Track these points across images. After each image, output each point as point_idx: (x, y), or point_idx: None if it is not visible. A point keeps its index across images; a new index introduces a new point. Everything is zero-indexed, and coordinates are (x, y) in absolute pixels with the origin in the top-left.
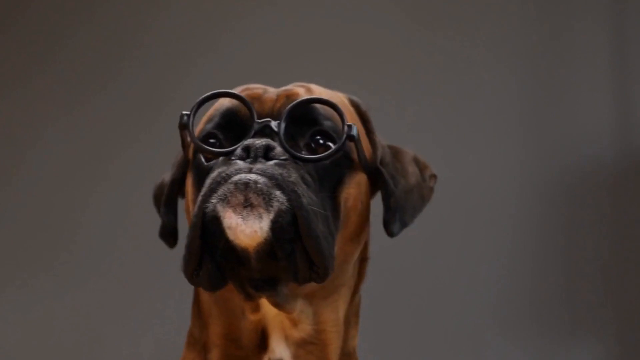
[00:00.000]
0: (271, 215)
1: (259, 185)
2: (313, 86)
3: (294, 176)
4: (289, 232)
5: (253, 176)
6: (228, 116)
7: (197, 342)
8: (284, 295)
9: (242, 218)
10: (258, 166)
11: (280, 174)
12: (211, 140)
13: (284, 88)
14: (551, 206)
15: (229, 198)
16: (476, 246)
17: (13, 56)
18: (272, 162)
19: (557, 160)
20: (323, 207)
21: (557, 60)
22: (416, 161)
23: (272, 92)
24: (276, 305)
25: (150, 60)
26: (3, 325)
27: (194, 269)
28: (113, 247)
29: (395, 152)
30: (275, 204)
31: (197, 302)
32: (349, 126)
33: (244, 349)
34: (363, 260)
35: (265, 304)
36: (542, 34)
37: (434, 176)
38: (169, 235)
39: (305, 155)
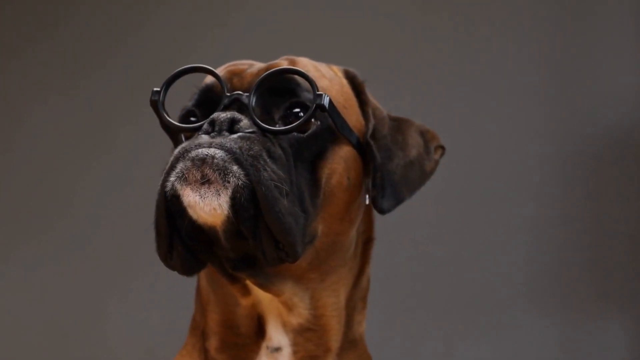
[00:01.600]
0: (229, 192)
1: (215, 160)
2: (301, 59)
3: (255, 149)
4: (248, 209)
5: (211, 150)
6: (205, 93)
7: (198, 327)
8: (267, 275)
9: (199, 195)
10: (218, 140)
11: (240, 148)
12: (192, 119)
13: (269, 62)
14: (577, 176)
15: (186, 175)
16: (502, 220)
17: (8, 33)
18: (235, 136)
19: (581, 129)
20: (298, 183)
21: (580, 27)
22: (422, 132)
23: (256, 67)
24: (260, 286)
25: (149, 38)
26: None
27: (166, 252)
28: (111, 220)
29: (399, 124)
30: (232, 180)
31: (198, 287)
32: (319, 95)
33: (242, 337)
34: (368, 241)
35: (256, 288)
36: (567, 8)
37: (440, 147)
38: None
39: (273, 127)
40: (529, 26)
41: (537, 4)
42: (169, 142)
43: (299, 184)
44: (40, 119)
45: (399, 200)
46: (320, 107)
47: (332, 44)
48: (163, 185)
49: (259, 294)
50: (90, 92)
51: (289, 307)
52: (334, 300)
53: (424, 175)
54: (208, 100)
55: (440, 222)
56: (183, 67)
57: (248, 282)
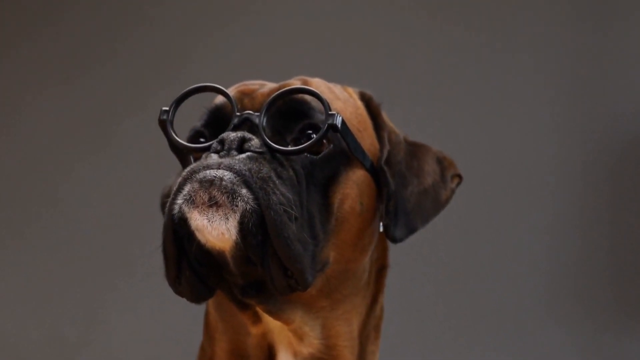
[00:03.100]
0: (237, 216)
1: (223, 183)
2: (314, 79)
3: (264, 170)
4: (257, 235)
5: (219, 172)
6: (215, 113)
7: (206, 356)
8: (277, 301)
9: (207, 219)
10: (227, 160)
11: (250, 169)
12: (201, 139)
13: (281, 82)
14: (596, 182)
15: (194, 197)
16: (519, 228)
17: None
18: (243, 155)
19: (600, 133)
20: (309, 207)
21: (599, 29)
22: (439, 159)
23: (267, 87)
24: (270, 313)
25: (145, 35)
26: None
27: (175, 277)
28: (110, 222)
29: (416, 150)
30: (241, 204)
31: (206, 315)
32: (331, 115)
33: None
34: (382, 268)
35: (267, 316)
36: (586, 7)
37: (457, 176)
38: None
39: (283, 147)
40: (547, 29)
41: (555, 7)
42: (164, 140)
43: (310, 208)
44: (31, 116)
45: (411, 230)
46: (333, 127)
47: (342, 54)
48: (170, 208)
49: (270, 322)
50: (83, 88)
51: (300, 337)
52: (347, 329)
53: (439, 205)
54: (218, 121)
55: (456, 232)
56: (193, 87)
57: (258, 310)
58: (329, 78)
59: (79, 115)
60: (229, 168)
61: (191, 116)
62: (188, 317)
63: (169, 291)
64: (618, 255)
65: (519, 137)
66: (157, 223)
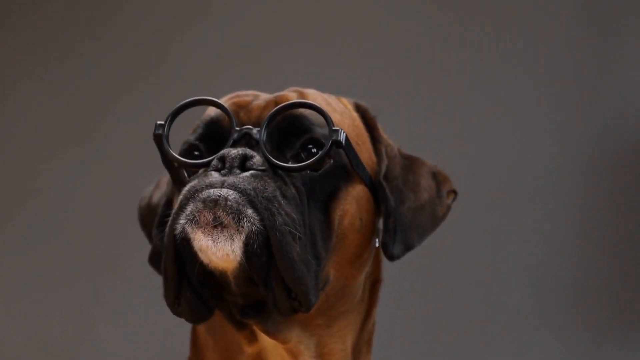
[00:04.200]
0: (242, 237)
1: (229, 203)
2: (308, 91)
3: (269, 190)
4: (261, 257)
5: (224, 191)
6: (211, 126)
7: None
8: (275, 321)
9: (212, 240)
10: (231, 179)
11: (254, 188)
12: (195, 153)
13: (275, 94)
14: (595, 187)
15: (198, 217)
16: (515, 232)
17: None
18: (247, 174)
19: (601, 136)
20: (310, 226)
21: (602, 29)
22: (434, 174)
23: (262, 98)
24: (267, 333)
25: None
26: None
27: (174, 297)
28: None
29: (411, 163)
30: (246, 225)
31: (193, 330)
32: (335, 131)
33: None
34: (375, 282)
35: (263, 335)
36: (590, 3)
37: (453, 192)
38: (160, 260)
39: (287, 164)
40: (549, 29)
41: (561, 10)
42: (150, 132)
43: (312, 226)
44: (11, 105)
45: (408, 247)
46: (337, 143)
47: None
48: (172, 228)
49: (265, 341)
50: (65, 76)
51: (294, 355)
52: (341, 347)
53: (435, 221)
54: (213, 135)
55: (450, 234)
56: (188, 100)
57: (255, 329)
58: (318, 76)
59: (61, 105)
60: (234, 187)
61: (177, 124)
62: (176, 319)
63: (157, 293)
64: (617, 264)
65: (517, 139)
66: None
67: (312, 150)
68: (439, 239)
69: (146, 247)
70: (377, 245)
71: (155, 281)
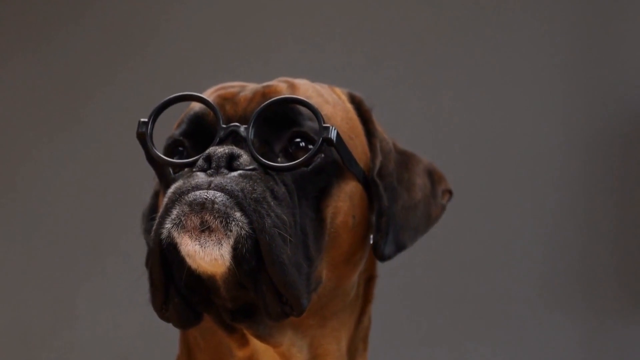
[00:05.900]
0: (231, 241)
1: (216, 206)
2: (299, 81)
3: (259, 190)
4: (250, 261)
5: (210, 194)
6: (195, 122)
7: None
8: (266, 325)
9: (199, 244)
10: (217, 180)
11: (242, 190)
12: (180, 149)
13: (263, 84)
14: (600, 168)
15: (184, 221)
16: (520, 214)
17: None
18: (235, 174)
19: (605, 120)
20: (301, 225)
21: (606, 11)
22: (430, 172)
23: (249, 90)
24: (258, 337)
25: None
26: None
27: (162, 303)
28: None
29: (406, 160)
30: (235, 228)
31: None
32: (325, 128)
33: None
34: (370, 279)
35: (253, 338)
36: None
37: (448, 192)
38: None
39: (276, 163)
40: (553, 11)
41: None
42: (135, 120)
43: (304, 226)
44: None
45: (400, 247)
46: (327, 140)
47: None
48: (158, 232)
49: (256, 344)
50: (43, 60)
51: (287, 358)
52: (335, 347)
53: (429, 221)
54: (198, 130)
55: (455, 218)
56: (172, 96)
57: (246, 333)
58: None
59: (41, 96)
60: (221, 189)
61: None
62: None
63: (140, 282)
64: (622, 244)
65: (521, 123)
66: (128, 209)
67: (301, 145)
68: (447, 220)
69: (126, 235)
70: (371, 241)
71: (137, 268)
